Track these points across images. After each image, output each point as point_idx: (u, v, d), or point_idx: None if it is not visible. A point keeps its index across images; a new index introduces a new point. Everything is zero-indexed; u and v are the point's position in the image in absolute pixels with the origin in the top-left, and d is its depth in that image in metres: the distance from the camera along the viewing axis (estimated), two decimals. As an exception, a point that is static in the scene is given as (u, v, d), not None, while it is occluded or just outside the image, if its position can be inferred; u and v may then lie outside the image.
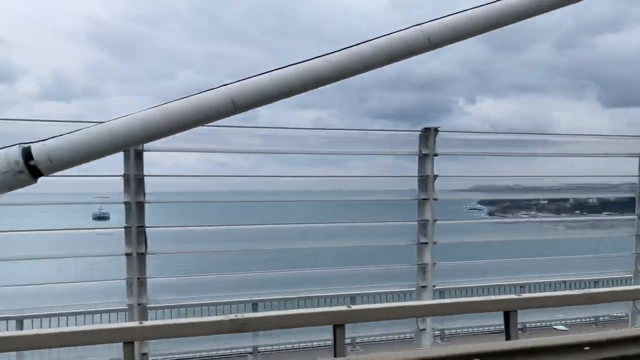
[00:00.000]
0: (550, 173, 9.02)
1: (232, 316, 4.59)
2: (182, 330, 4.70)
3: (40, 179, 2.43)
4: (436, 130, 7.34)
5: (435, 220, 7.33)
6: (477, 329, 8.30)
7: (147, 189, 6.42)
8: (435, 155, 7.31)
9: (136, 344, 4.70)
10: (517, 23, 2.91)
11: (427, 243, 7.30)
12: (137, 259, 6.27)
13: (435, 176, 7.36)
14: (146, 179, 6.40)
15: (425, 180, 7.34)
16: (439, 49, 2.80)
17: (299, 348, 7.43)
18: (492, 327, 7.78)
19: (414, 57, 2.75)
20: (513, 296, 5.54)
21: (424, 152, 7.31)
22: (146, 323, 4.68)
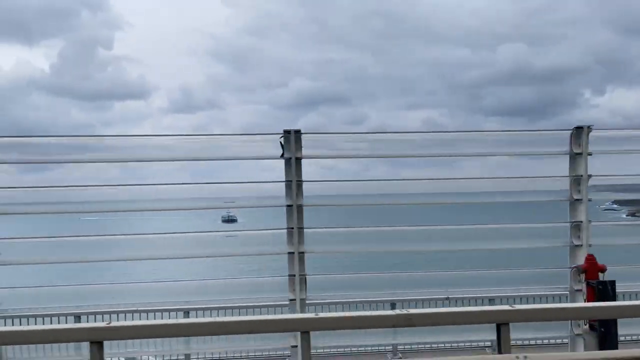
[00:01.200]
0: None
1: (397, 311, 4.82)
2: (352, 323, 4.96)
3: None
4: (589, 128, 7.13)
5: (590, 222, 7.10)
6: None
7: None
8: (589, 154, 7.09)
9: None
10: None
11: (581, 245, 7.08)
12: (299, 258, 6.81)
13: (589, 176, 7.13)
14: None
15: (578, 181, 7.15)
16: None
17: (450, 348, 7.54)
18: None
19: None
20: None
21: (576, 151, 7.14)
22: (321, 315, 4.99)
